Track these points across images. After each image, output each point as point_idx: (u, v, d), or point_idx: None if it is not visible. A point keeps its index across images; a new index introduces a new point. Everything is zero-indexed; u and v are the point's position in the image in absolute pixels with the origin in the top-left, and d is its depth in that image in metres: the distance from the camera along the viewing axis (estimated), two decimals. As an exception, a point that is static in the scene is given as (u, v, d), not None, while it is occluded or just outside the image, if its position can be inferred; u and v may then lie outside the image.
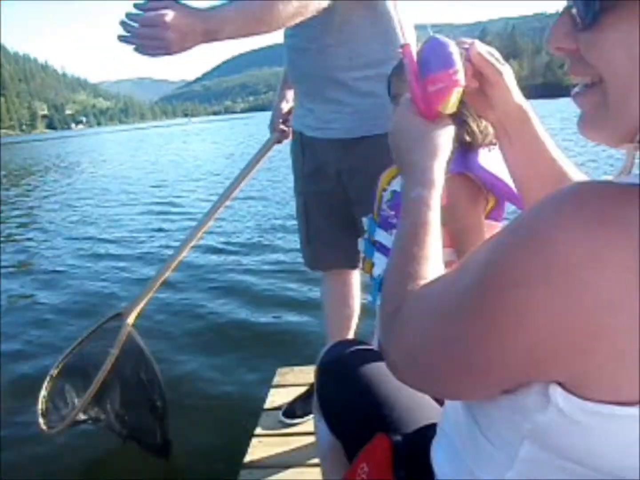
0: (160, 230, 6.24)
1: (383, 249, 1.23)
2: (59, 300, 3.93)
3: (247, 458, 1.71)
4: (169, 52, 1.08)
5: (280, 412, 1.89)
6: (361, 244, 1.34)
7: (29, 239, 6.48)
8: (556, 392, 0.43)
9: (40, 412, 1.67)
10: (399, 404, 0.87)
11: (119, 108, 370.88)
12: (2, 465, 1.91)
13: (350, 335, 1.82)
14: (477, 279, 0.46)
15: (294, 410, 1.88)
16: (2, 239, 6.54)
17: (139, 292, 1.88)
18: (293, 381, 2.14)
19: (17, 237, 6.65)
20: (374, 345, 1.39)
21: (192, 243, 1.87)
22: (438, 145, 0.72)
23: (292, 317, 3.25)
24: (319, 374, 1.03)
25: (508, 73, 0.77)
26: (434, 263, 0.62)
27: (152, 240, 5.74)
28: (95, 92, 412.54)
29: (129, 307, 1.84)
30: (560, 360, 0.41)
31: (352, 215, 1.62)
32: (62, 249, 5.73)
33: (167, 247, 5.23)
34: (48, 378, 1.75)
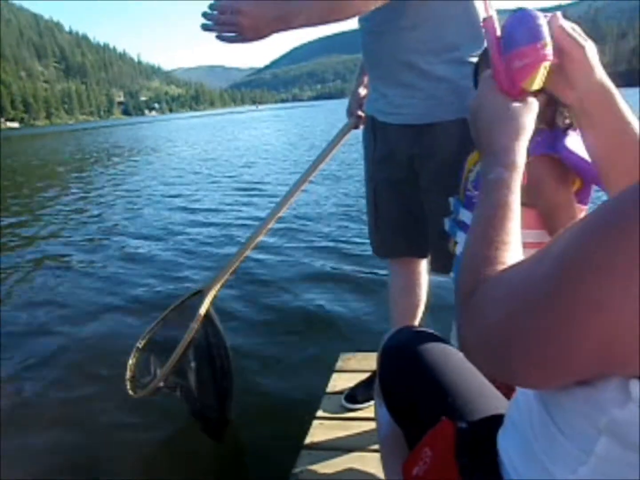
0: (240, 211, 6.51)
1: (466, 228, 1.24)
2: (150, 270, 4.24)
3: (308, 439, 1.74)
4: (244, 39, 1.12)
5: (342, 397, 1.91)
6: (447, 223, 1.34)
7: (118, 214, 7.01)
8: (637, 388, 0.42)
9: (128, 377, 1.84)
10: (463, 392, 0.86)
11: (190, 95, 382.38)
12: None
13: (415, 324, 1.81)
14: (558, 265, 0.45)
15: (355, 395, 1.89)
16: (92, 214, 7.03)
17: (218, 271, 1.95)
18: (356, 367, 2.16)
19: (103, 214, 7.12)
20: (453, 335, 1.38)
21: (270, 225, 1.91)
22: (520, 124, 0.69)
23: (357, 303, 3.26)
24: (382, 360, 1.02)
25: (591, 49, 0.72)
26: (512, 247, 0.60)
27: (234, 221, 5.98)
28: (168, 79, 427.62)
29: (208, 284, 1.91)
30: (637, 354, 0.39)
31: (422, 203, 1.60)
32: (149, 224, 6.15)
33: (247, 227, 5.46)
34: (135, 349, 1.90)
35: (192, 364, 1.80)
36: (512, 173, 0.66)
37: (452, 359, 0.93)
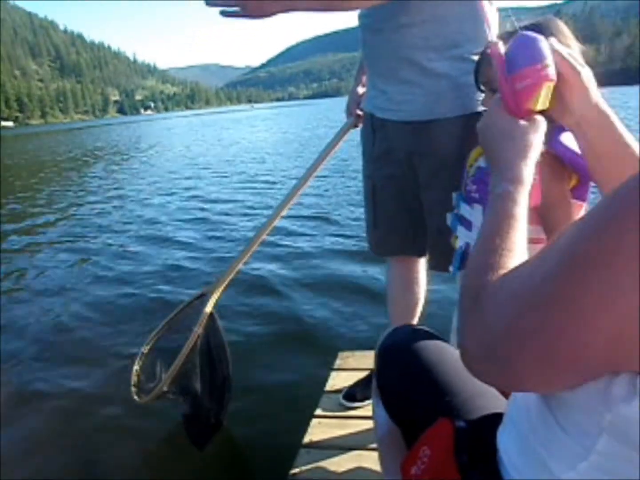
0: (244, 214, 6.44)
1: (465, 223, 1.26)
2: (152, 271, 4.22)
3: (306, 438, 1.73)
4: (248, 14, 1.15)
5: (340, 395, 1.91)
6: (449, 218, 1.35)
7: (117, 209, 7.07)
8: None
9: (133, 383, 1.84)
10: (461, 390, 0.86)
11: (185, 94, 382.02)
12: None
13: (414, 322, 1.80)
14: (561, 262, 0.44)
15: (354, 393, 1.89)
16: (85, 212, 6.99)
17: (221, 273, 1.95)
18: (354, 365, 2.16)
19: (101, 211, 7.15)
20: (453, 328, 1.38)
21: (272, 226, 1.91)
22: (527, 143, 0.72)
23: (357, 302, 3.26)
24: (379, 358, 1.02)
25: (587, 74, 0.76)
26: (517, 256, 0.60)
27: (236, 223, 5.95)
28: (164, 78, 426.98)
29: (212, 287, 1.92)
30: None
31: (420, 200, 1.59)
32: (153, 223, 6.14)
33: (250, 229, 5.46)
34: (140, 354, 1.91)
35: (196, 369, 1.81)
36: (518, 187, 0.68)
37: (450, 357, 0.93)
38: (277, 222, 1.95)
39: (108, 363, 2.65)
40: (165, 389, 1.75)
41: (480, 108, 1.43)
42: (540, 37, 0.74)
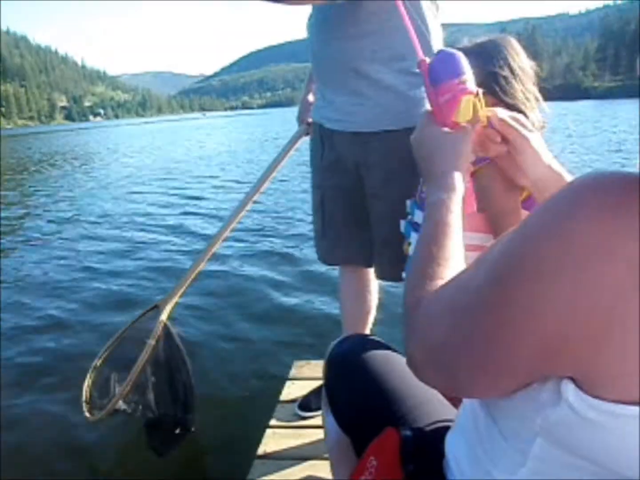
0: (193, 222, 6.36)
1: (419, 229, 1.25)
2: (103, 288, 4.01)
3: (261, 449, 1.72)
4: None
5: (295, 405, 1.91)
6: (403, 225, 1.35)
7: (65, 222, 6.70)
8: (568, 387, 0.44)
9: (84, 400, 1.76)
10: (407, 399, 0.87)
11: (137, 101, 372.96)
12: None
13: (367, 331, 1.82)
14: (491, 272, 0.46)
15: (309, 403, 1.89)
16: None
17: (173, 285, 1.94)
18: (309, 374, 2.16)
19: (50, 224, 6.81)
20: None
21: (224, 236, 1.91)
22: (456, 152, 0.75)
23: (311, 310, 3.27)
24: (328, 368, 1.02)
25: (536, 139, 0.79)
26: (452, 264, 0.63)
27: (189, 230, 5.89)
28: (114, 84, 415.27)
29: (165, 299, 1.90)
30: (571, 354, 0.41)
31: (367, 210, 1.61)
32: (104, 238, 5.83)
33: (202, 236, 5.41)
34: (91, 369, 1.83)
35: (151, 380, 1.77)
36: (451, 194, 0.71)
37: (397, 366, 0.94)
38: (229, 233, 1.94)
39: (57, 378, 2.55)
40: (120, 403, 1.69)
41: None
42: (458, 53, 0.77)
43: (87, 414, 1.74)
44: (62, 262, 4.86)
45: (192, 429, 1.90)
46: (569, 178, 0.80)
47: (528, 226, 0.45)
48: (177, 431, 1.86)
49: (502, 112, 0.79)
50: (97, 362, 1.84)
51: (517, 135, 0.78)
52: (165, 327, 1.85)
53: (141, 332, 1.84)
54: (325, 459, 1.62)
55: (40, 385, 2.52)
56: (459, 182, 0.72)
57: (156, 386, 1.78)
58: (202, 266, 1.93)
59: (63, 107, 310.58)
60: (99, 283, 4.13)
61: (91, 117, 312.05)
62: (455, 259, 0.63)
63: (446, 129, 0.77)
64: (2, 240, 5.85)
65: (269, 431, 1.81)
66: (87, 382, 1.80)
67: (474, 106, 0.77)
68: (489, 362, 0.48)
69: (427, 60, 0.79)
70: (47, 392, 2.45)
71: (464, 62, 0.77)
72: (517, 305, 0.43)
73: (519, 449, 0.52)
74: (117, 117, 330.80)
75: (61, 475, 1.90)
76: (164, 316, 1.86)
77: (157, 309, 1.89)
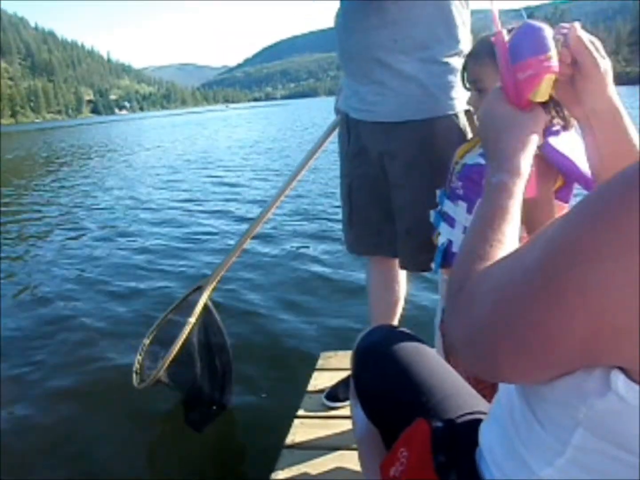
0: (232, 209, 6.53)
1: (449, 219, 1.26)
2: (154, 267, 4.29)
3: (289, 439, 1.73)
4: None
5: (322, 395, 1.91)
6: (432, 215, 1.34)
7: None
8: (618, 378, 0.42)
9: (135, 370, 1.99)
10: (437, 390, 0.86)
11: (161, 94, 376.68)
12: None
13: (395, 322, 1.82)
14: (544, 255, 0.45)
15: (336, 393, 1.89)
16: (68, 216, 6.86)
17: (216, 266, 2.08)
18: (337, 365, 2.16)
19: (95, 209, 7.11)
20: (436, 323, 1.39)
21: (266, 218, 2.02)
22: (527, 134, 0.71)
23: (340, 302, 3.27)
24: (356, 359, 1.01)
25: (606, 67, 0.73)
26: (506, 247, 0.60)
27: (232, 213, 6.19)
28: (139, 77, 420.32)
29: (207, 279, 2.05)
30: (622, 343, 0.40)
31: (392, 200, 1.60)
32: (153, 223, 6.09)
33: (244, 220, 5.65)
34: (142, 345, 2.05)
35: (194, 357, 1.93)
36: (514, 179, 0.67)
37: (426, 357, 0.93)
38: (270, 216, 2.07)
39: (107, 360, 2.69)
40: (161, 376, 1.85)
41: (449, 111, 1.45)
42: (545, 26, 0.72)
43: (135, 383, 1.96)
44: (123, 244, 5.21)
45: (227, 406, 2.04)
46: (626, 117, 0.75)
47: (584, 209, 0.43)
48: (214, 408, 2.01)
49: (580, 30, 0.73)
50: (146, 340, 2.05)
51: (590, 60, 0.72)
52: (207, 307, 1.99)
53: (185, 312, 2.00)
54: (353, 449, 1.62)
55: (84, 370, 2.62)
56: (525, 167, 0.68)
57: (197, 362, 1.94)
58: (242, 250, 2.06)
59: (89, 101, 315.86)
60: (153, 261, 4.45)
61: (117, 110, 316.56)
62: (509, 243, 0.61)
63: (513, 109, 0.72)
64: (77, 220, 6.32)
65: (296, 421, 1.82)
66: (138, 357, 2.03)
67: (554, 85, 0.72)
68: (531, 347, 0.46)
69: (505, 32, 0.74)
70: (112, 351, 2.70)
71: (550, 37, 0.71)
72: (567, 290, 0.42)
73: (559, 437, 0.51)
74: (142, 109, 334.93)
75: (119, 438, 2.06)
76: (205, 295, 1.99)
77: (200, 289, 2.02)
